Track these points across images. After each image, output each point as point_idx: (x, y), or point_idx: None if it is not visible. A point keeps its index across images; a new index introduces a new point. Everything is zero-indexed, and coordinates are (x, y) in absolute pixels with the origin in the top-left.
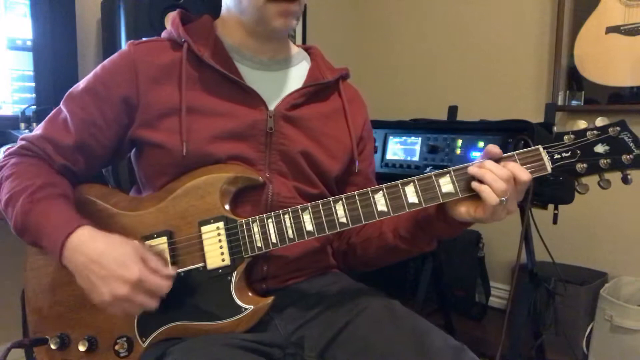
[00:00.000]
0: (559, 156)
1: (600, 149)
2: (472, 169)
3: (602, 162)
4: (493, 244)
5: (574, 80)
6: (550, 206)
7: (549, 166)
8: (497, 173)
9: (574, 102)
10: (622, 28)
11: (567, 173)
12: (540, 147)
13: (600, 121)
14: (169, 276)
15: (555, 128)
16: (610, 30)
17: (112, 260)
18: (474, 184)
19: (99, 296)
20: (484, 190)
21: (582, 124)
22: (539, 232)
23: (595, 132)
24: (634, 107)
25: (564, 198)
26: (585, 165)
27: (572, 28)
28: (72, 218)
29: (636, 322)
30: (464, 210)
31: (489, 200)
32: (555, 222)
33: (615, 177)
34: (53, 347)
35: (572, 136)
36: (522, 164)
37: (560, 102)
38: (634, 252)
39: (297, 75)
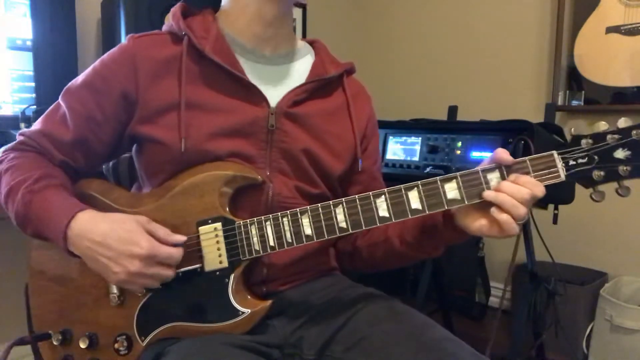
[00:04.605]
0: (574, 162)
1: (620, 154)
2: (489, 194)
3: (622, 169)
4: (493, 244)
5: (574, 80)
6: (550, 206)
7: (562, 174)
8: (516, 197)
9: (574, 102)
10: (622, 28)
11: (582, 180)
12: (555, 153)
13: (623, 122)
14: (179, 242)
15: (572, 130)
16: (610, 30)
17: (117, 239)
18: (494, 211)
19: (114, 276)
20: (505, 221)
21: (602, 126)
22: (539, 232)
23: (616, 135)
24: (634, 107)
25: (564, 198)
26: (602, 172)
27: (572, 28)
28: (72, 205)
29: (636, 322)
30: (475, 228)
31: (508, 231)
32: (555, 222)
33: (633, 183)
34: (55, 342)
35: (590, 140)
36: (534, 171)
37: (560, 102)
38: (634, 252)
39: (300, 70)
